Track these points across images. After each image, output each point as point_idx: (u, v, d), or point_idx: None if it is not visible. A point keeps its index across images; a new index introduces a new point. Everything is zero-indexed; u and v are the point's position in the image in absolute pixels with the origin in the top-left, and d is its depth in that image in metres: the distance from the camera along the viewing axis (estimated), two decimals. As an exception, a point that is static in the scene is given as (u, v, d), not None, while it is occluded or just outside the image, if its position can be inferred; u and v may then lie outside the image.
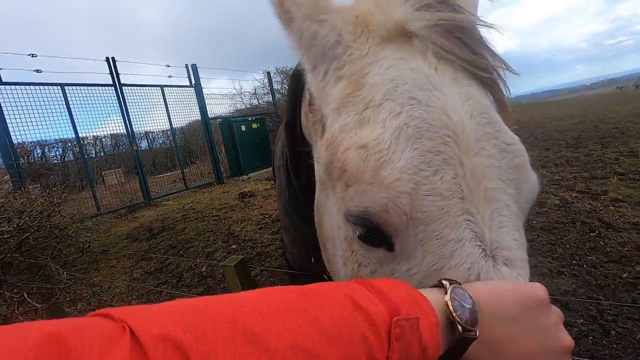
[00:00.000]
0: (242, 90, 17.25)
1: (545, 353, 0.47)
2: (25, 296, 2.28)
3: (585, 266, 3.31)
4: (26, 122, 8.00)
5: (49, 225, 2.39)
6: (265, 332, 0.35)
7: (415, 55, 0.66)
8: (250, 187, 9.86)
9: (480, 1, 0.87)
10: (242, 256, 1.99)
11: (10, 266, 2.39)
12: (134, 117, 10.21)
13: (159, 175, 13.95)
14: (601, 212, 4.45)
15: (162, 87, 11.20)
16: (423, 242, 0.57)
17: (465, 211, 0.55)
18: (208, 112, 12.49)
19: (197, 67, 12.11)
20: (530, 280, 0.56)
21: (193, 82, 12.11)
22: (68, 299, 3.25)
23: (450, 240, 0.55)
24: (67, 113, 8.74)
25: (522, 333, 0.47)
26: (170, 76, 11.53)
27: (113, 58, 9.71)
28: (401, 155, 0.57)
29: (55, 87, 8.54)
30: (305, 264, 1.61)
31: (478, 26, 0.70)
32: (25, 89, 8.07)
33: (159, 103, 11.19)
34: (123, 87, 9.95)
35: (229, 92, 16.31)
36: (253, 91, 17.75)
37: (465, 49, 0.65)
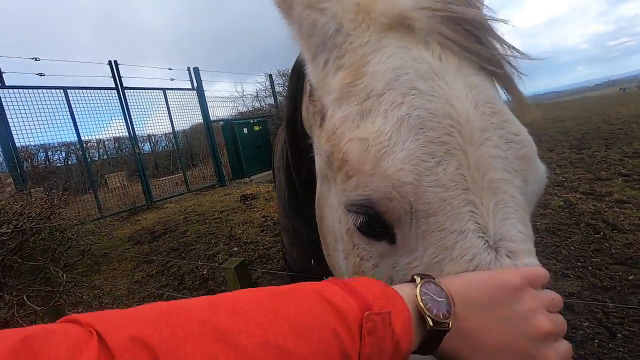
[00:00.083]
0: (244, 93, 17.29)
1: (520, 340, 0.47)
2: (25, 299, 2.27)
3: (590, 268, 3.27)
4: (29, 125, 8.04)
5: (48, 228, 2.38)
6: (235, 330, 0.35)
7: (418, 44, 0.64)
8: (252, 189, 9.85)
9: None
10: (243, 258, 1.97)
11: (11, 269, 2.39)
12: (136, 120, 10.25)
13: (161, 178, 13.98)
14: (606, 213, 4.41)
15: (164, 90, 11.24)
16: (425, 234, 0.56)
17: (468, 202, 0.54)
18: (210, 115, 12.53)
19: (199, 70, 12.16)
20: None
21: (195, 85, 12.16)
22: (68, 302, 3.24)
23: (452, 232, 0.54)
24: (69, 116, 8.78)
25: (496, 322, 0.48)
26: (172, 79, 11.58)
27: (115, 61, 9.76)
28: (403, 146, 0.56)
29: (57, 91, 8.58)
30: (305, 266, 1.59)
31: (487, 18, 0.67)
32: (28, 93, 8.11)
33: (161, 106, 11.25)
34: (125, 91, 10.00)
35: (231, 94, 16.37)
36: (255, 94, 17.78)
37: (471, 39, 0.63)
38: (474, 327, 0.47)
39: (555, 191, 5.62)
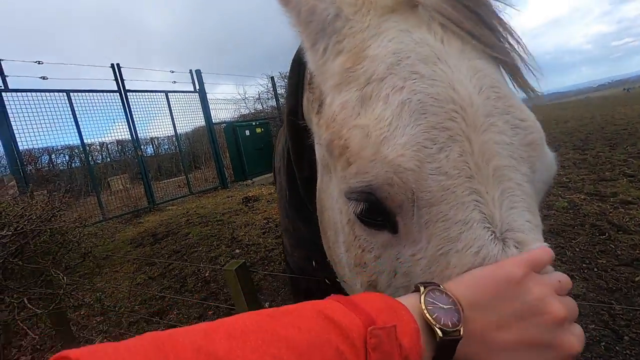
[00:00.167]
0: (246, 95, 17.34)
1: (535, 331, 0.44)
2: (26, 302, 2.26)
3: (595, 269, 3.23)
4: (32, 128, 8.09)
5: (49, 230, 2.37)
6: (231, 356, 0.34)
7: (420, 27, 0.62)
8: (254, 191, 9.85)
9: None
10: (243, 260, 1.95)
11: (12, 272, 2.38)
12: (138, 123, 10.30)
13: (164, 181, 14.02)
14: (611, 214, 4.37)
15: (166, 92, 11.28)
16: (428, 224, 0.53)
17: (473, 191, 0.52)
18: (212, 117, 12.56)
19: (201, 73, 12.20)
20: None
21: (197, 87, 12.19)
22: (70, 304, 3.24)
23: (457, 222, 0.51)
24: (72, 119, 8.82)
25: (507, 318, 0.45)
26: (174, 82, 11.63)
27: (118, 64, 9.81)
28: (404, 132, 0.54)
29: (60, 94, 8.63)
30: (307, 267, 1.57)
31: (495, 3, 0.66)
32: (31, 96, 8.17)
33: (163, 109, 11.28)
34: (128, 93, 10.04)
35: (233, 97, 16.43)
36: (257, 96, 17.84)
37: (477, 22, 0.61)
38: (486, 329, 0.45)
39: (559, 192, 5.57)
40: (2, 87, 7.68)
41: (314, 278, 1.54)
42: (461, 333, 0.43)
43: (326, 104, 0.70)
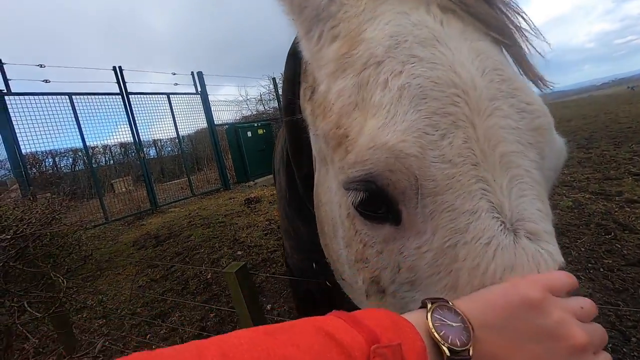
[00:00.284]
0: (248, 97, 17.38)
1: (550, 356, 0.42)
2: (26, 305, 2.25)
3: (601, 270, 3.18)
4: (35, 131, 8.13)
5: (49, 234, 2.37)
6: None
7: (417, 9, 0.60)
8: (257, 192, 9.85)
9: None
10: (244, 262, 1.94)
11: (12, 275, 2.37)
12: (141, 125, 10.33)
13: (166, 183, 14.06)
14: (616, 213, 4.31)
15: (168, 94, 11.31)
16: (433, 214, 0.51)
17: (479, 179, 0.49)
18: (214, 119, 12.58)
19: (202, 75, 12.23)
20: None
21: (199, 89, 12.21)
22: (72, 307, 3.23)
23: (463, 212, 0.49)
24: (75, 122, 8.86)
25: (520, 340, 0.42)
26: (176, 84, 11.65)
27: (120, 67, 9.86)
28: (404, 118, 0.51)
29: (63, 97, 8.68)
30: (307, 269, 1.55)
31: None
32: (34, 99, 8.20)
33: (165, 111, 11.32)
34: (130, 96, 10.07)
35: (235, 98, 16.46)
36: (259, 97, 17.87)
37: (479, 2, 0.59)
38: (499, 351, 0.42)
39: (564, 191, 5.52)
40: (5, 91, 7.72)
41: (314, 280, 1.52)
42: (470, 353, 0.41)
43: (319, 91, 0.68)
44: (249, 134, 12.47)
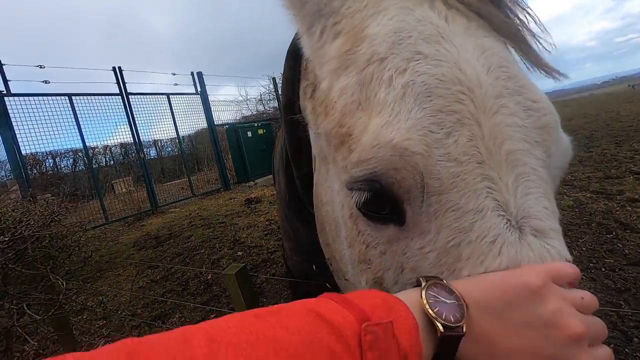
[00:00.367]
0: (248, 97, 17.38)
1: (544, 344, 0.42)
2: (25, 307, 2.24)
3: (603, 269, 3.17)
4: (35, 132, 8.13)
5: (48, 235, 2.36)
6: None
7: (421, 4, 0.59)
8: (257, 193, 9.84)
9: None
10: (244, 264, 1.93)
11: (11, 277, 2.37)
12: (141, 125, 10.34)
13: (167, 183, 14.06)
14: (617, 212, 4.30)
15: (168, 95, 11.30)
16: (437, 214, 0.50)
17: (485, 177, 0.49)
18: (214, 119, 12.57)
19: (202, 75, 12.22)
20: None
21: (199, 89, 12.21)
22: (72, 309, 3.23)
23: (468, 211, 0.48)
24: (74, 123, 8.85)
25: (515, 325, 0.43)
26: (176, 84, 11.65)
27: (120, 67, 9.85)
28: (408, 116, 0.50)
29: (62, 98, 8.67)
30: (307, 271, 1.54)
31: None
32: (34, 100, 8.20)
33: (165, 111, 11.31)
34: (130, 96, 10.07)
35: (235, 98, 16.46)
36: (259, 97, 17.87)
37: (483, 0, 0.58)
38: (492, 332, 0.43)
39: (565, 190, 5.50)
40: (5, 92, 7.72)
41: (314, 282, 1.51)
42: (464, 330, 0.41)
43: (321, 88, 0.67)
44: (249, 134, 12.47)
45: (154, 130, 11.22)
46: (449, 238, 0.50)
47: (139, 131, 10.23)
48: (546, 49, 0.63)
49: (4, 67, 7.74)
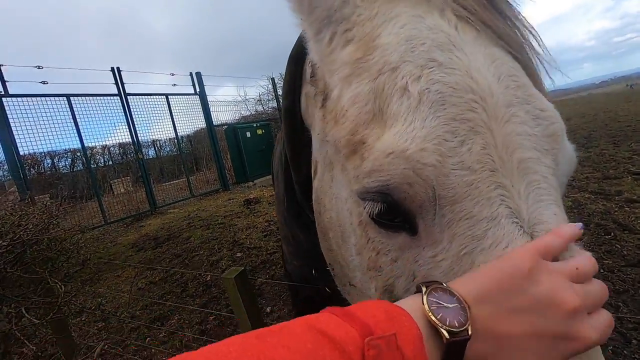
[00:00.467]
0: (247, 97, 17.36)
1: (545, 324, 0.42)
2: (24, 311, 2.24)
3: (601, 270, 3.18)
4: (33, 133, 8.11)
5: (46, 238, 2.35)
6: None
7: (432, 12, 0.59)
8: (256, 193, 9.83)
9: None
10: (243, 268, 1.92)
11: (9, 281, 2.36)
12: (139, 126, 10.32)
13: (165, 184, 14.04)
14: (616, 213, 4.31)
15: (166, 95, 11.28)
16: (450, 223, 0.50)
17: (498, 185, 0.49)
18: (213, 119, 12.55)
19: (201, 75, 12.20)
20: None
21: (197, 89, 12.19)
22: (71, 311, 3.21)
23: (482, 219, 0.49)
24: (73, 123, 8.83)
25: (516, 312, 0.43)
26: (174, 84, 11.63)
27: (118, 68, 9.83)
28: (423, 124, 0.51)
29: (61, 98, 8.64)
30: (306, 276, 1.54)
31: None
32: (32, 101, 8.18)
33: (164, 111, 11.29)
34: (128, 97, 10.05)
35: (234, 99, 16.44)
36: (258, 97, 17.85)
37: (491, 12, 0.58)
38: (495, 326, 0.43)
39: (563, 191, 5.51)
40: (2, 92, 7.69)
41: (313, 287, 1.51)
42: (469, 332, 0.41)
43: (332, 97, 0.66)
44: (248, 134, 12.45)
45: (152, 130, 11.21)
46: (462, 246, 0.50)
47: (138, 131, 10.21)
48: (547, 72, 0.64)
49: (1, 67, 7.71)
